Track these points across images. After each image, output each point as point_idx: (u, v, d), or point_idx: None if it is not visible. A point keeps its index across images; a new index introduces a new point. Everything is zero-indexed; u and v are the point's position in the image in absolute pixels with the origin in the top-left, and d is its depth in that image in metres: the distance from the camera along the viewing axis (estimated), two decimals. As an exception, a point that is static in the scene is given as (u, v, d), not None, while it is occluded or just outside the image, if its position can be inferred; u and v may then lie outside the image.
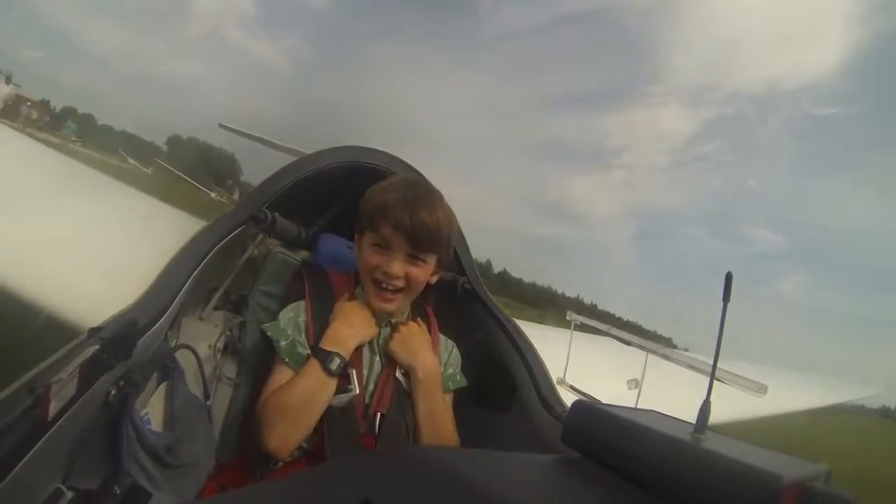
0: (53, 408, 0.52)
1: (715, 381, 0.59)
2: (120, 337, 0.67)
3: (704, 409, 0.54)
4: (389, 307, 0.99)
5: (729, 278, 0.54)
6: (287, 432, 0.88)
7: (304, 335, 0.98)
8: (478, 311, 1.27)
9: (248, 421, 1.04)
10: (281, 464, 0.91)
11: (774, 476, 0.42)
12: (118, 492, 0.60)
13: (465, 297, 1.28)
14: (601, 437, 0.57)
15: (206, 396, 1.00)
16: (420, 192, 0.97)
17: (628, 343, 1.59)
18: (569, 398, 1.07)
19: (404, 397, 0.99)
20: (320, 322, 0.99)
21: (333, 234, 1.29)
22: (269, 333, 0.98)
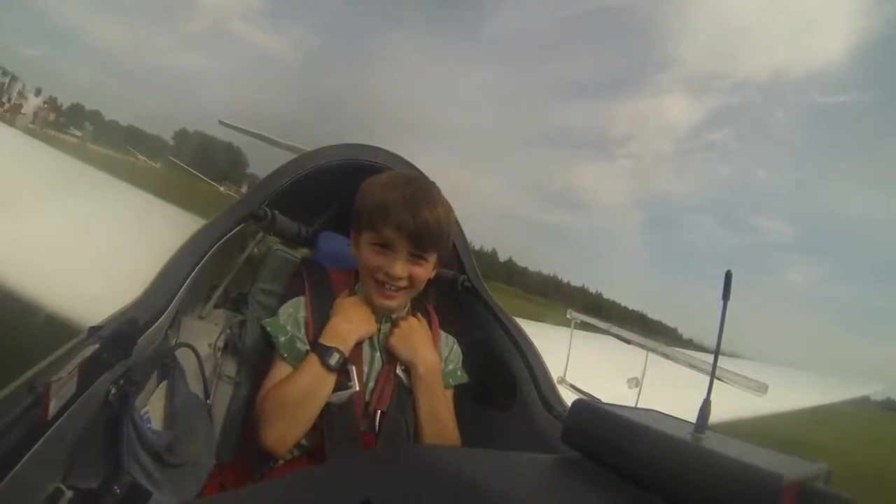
0: (53, 407, 0.52)
1: (715, 381, 0.58)
2: (120, 336, 0.67)
3: (704, 409, 0.54)
4: (392, 304, 0.99)
5: (728, 277, 0.53)
6: (285, 428, 0.87)
7: (303, 331, 0.98)
8: (478, 309, 1.27)
9: (248, 419, 1.04)
10: (281, 462, 0.91)
11: (774, 475, 0.42)
12: (118, 491, 0.60)
13: (465, 296, 1.28)
14: (601, 437, 0.57)
15: (207, 395, 1.00)
16: (419, 190, 0.97)
17: (628, 342, 1.59)
18: (569, 397, 1.07)
19: (405, 394, 0.99)
20: (320, 318, 0.99)
21: (333, 231, 1.29)
22: (268, 329, 0.98)
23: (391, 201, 0.93)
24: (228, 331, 1.13)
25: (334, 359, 0.91)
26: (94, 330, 0.65)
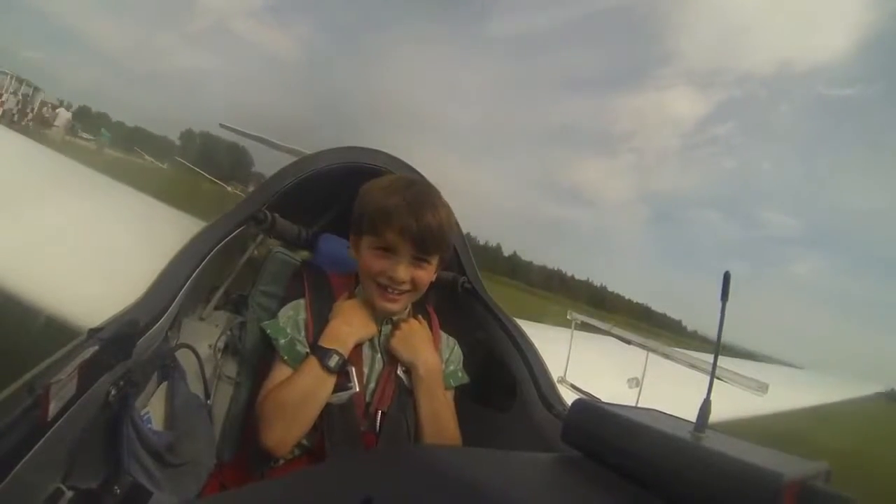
0: (53, 408, 0.52)
1: (714, 380, 0.59)
2: (120, 337, 0.67)
3: (705, 408, 0.54)
4: (394, 307, 0.99)
5: (727, 278, 0.53)
6: (285, 430, 0.87)
7: (303, 333, 0.98)
8: (478, 310, 1.27)
9: (248, 420, 1.04)
10: (282, 462, 0.91)
11: (775, 475, 0.42)
12: (118, 491, 0.61)
13: (465, 297, 1.29)
14: (601, 436, 0.57)
15: (207, 396, 1.00)
16: (421, 193, 0.97)
17: (629, 342, 1.59)
18: (569, 397, 1.07)
19: (406, 395, 0.99)
20: (320, 320, 0.99)
21: (333, 234, 1.29)
22: (268, 331, 0.98)
23: (393, 205, 0.93)
24: (228, 332, 1.13)
25: (334, 361, 0.91)
26: (94, 332, 0.65)
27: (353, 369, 0.95)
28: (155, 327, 0.78)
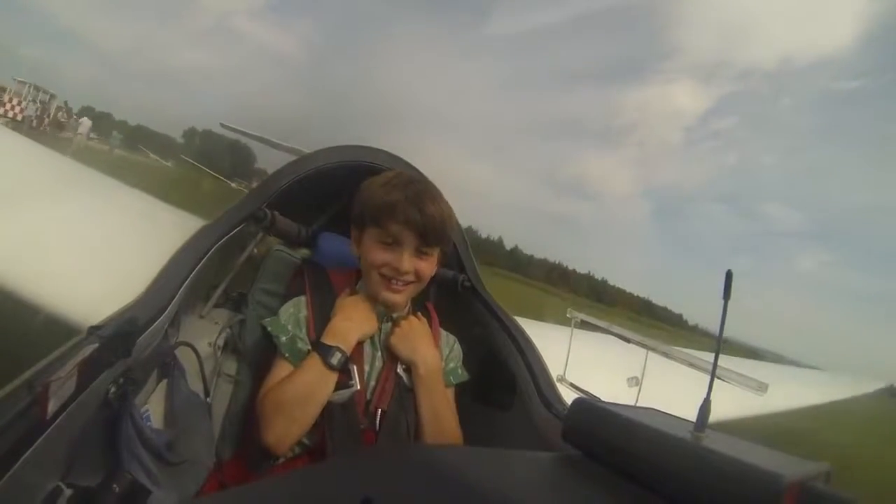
0: (52, 406, 0.52)
1: (714, 380, 0.58)
2: (120, 335, 0.67)
3: (704, 408, 0.54)
4: (398, 299, 1.00)
5: (729, 276, 0.53)
6: (285, 427, 0.87)
7: (304, 331, 0.98)
8: (478, 308, 1.27)
9: (248, 418, 1.04)
10: (282, 460, 0.91)
11: (775, 475, 0.42)
12: (117, 489, 0.60)
13: (465, 295, 1.29)
14: (601, 435, 0.57)
15: (207, 393, 1.00)
16: (422, 188, 0.99)
17: (628, 340, 1.59)
18: (569, 396, 1.07)
19: (406, 393, 0.99)
20: (321, 318, 0.99)
21: (334, 232, 1.29)
22: (269, 329, 0.98)
23: (397, 198, 0.95)
24: (228, 330, 1.13)
25: (336, 358, 0.91)
26: (94, 329, 0.65)
27: (355, 367, 0.95)
28: (155, 325, 0.78)
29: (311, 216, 1.36)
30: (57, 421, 0.54)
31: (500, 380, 1.18)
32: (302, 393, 0.89)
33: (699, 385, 0.60)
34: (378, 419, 0.95)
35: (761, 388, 1.20)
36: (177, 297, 0.86)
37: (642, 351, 1.52)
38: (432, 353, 1.02)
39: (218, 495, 0.82)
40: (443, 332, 1.12)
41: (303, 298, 1.03)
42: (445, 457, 0.52)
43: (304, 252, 1.26)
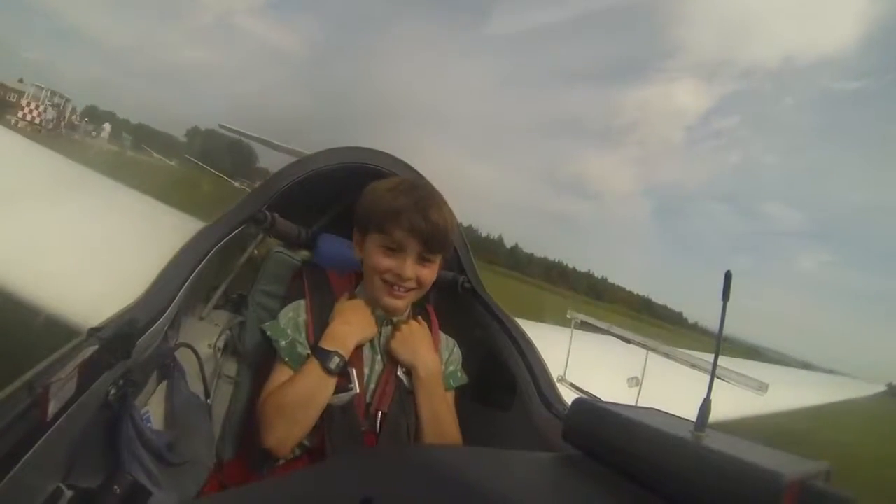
0: (53, 407, 0.52)
1: (714, 380, 0.58)
2: (120, 336, 0.67)
3: (705, 407, 0.54)
4: (400, 304, 1.00)
5: (728, 277, 0.53)
6: (286, 431, 0.88)
7: (304, 335, 0.98)
8: (478, 309, 1.27)
9: (248, 419, 1.04)
10: (282, 461, 0.91)
11: (775, 474, 0.42)
12: (118, 490, 0.60)
13: (465, 297, 1.29)
14: (602, 435, 0.57)
15: (207, 395, 1.00)
16: (427, 194, 0.99)
17: (628, 341, 1.59)
18: (569, 396, 1.07)
19: (406, 396, 0.99)
20: (320, 321, 0.99)
21: (333, 234, 1.29)
22: (268, 333, 0.98)
23: (402, 204, 0.94)
24: (228, 331, 1.13)
25: (334, 362, 0.91)
26: (94, 331, 0.65)
27: (354, 370, 0.95)
28: (155, 326, 0.78)
29: (312, 218, 1.36)
30: (57, 422, 0.54)
31: (500, 380, 1.18)
32: (302, 397, 0.89)
33: (699, 385, 0.60)
34: (378, 422, 0.95)
35: (761, 388, 1.20)
36: (177, 298, 0.86)
37: (642, 351, 1.52)
38: (432, 356, 1.02)
39: (218, 496, 0.82)
40: (442, 336, 1.12)
41: (302, 302, 1.03)
42: (445, 457, 0.52)
43: (304, 254, 1.26)
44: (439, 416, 0.99)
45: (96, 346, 0.61)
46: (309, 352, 0.95)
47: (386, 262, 0.96)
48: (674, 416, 0.60)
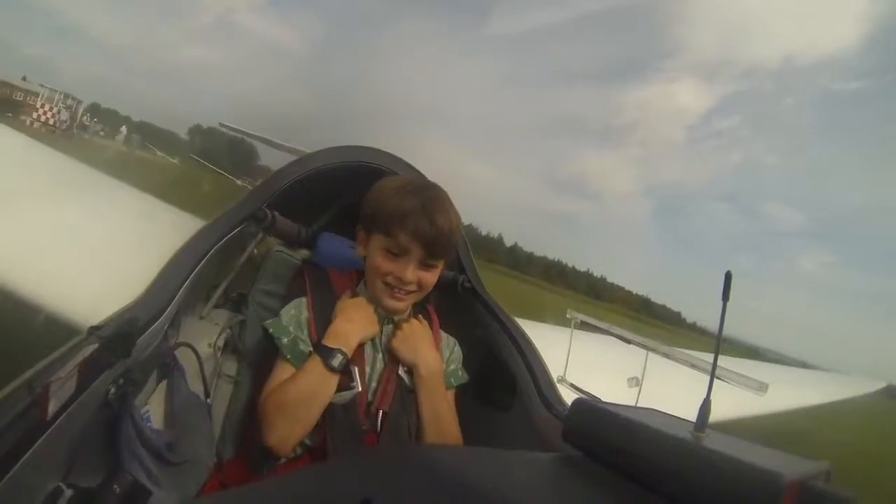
0: (52, 406, 0.52)
1: (714, 380, 0.58)
2: (120, 335, 0.67)
3: (704, 408, 0.54)
4: (400, 306, 1.00)
5: (728, 277, 0.53)
6: (287, 429, 0.88)
7: (306, 332, 0.98)
8: (478, 309, 1.27)
9: (248, 418, 1.04)
10: (283, 460, 0.91)
11: (775, 475, 0.42)
12: (118, 490, 0.61)
13: (465, 296, 1.28)
14: (602, 436, 0.57)
15: (207, 394, 1.00)
16: (434, 199, 0.97)
17: (628, 341, 1.59)
18: (569, 396, 1.07)
19: (407, 395, 0.99)
20: (322, 319, 0.99)
21: (334, 233, 1.29)
22: (270, 330, 0.98)
23: (408, 209, 0.93)
24: (228, 330, 1.13)
25: (337, 360, 0.91)
26: (94, 330, 0.65)
27: (356, 369, 0.95)
28: (155, 326, 0.78)
29: (312, 217, 1.36)
30: (57, 421, 0.54)
31: (500, 380, 1.18)
32: (304, 394, 0.89)
33: (699, 385, 0.60)
34: (380, 420, 0.95)
35: (761, 388, 1.20)
36: (177, 297, 0.86)
37: (642, 351, 1.52)
38: (433, 355, 1.02)
39: (219, 495, 0.82)
40: (443, 335, 1.12)
41: (304, 300, 1.02)
42: (446, 457, 0.52)
43: (304, 253, 1.26)
44: (440, 416, 0.99)
45: (96, 345, 0.61)
46: (311, 349, 0.95)
47: (388, 265, 0.96)
48: (674, 416, 0.60)
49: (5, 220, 1.69)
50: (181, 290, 0.88)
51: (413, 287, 0.97)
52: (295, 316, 1.00)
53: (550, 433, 1.01)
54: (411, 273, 0.95)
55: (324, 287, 1.06)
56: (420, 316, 1.08)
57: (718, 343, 0.58)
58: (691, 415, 0.55)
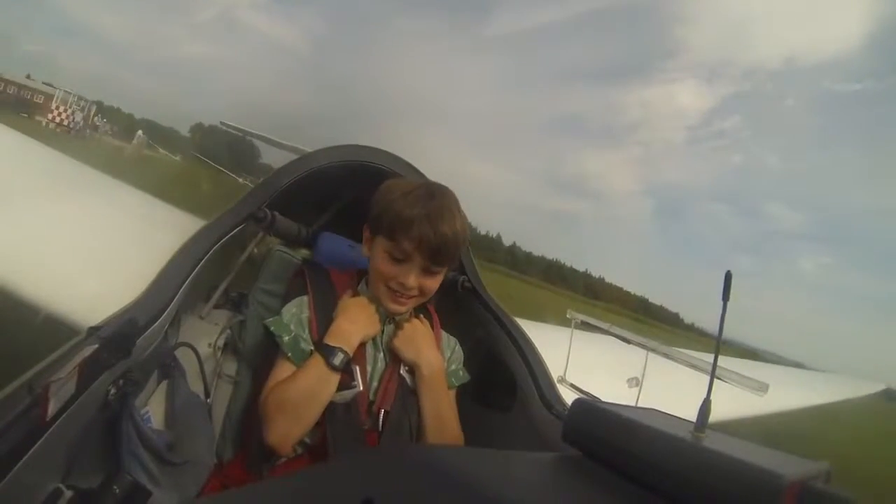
0: (52, 407, 0.52)
1: (714, 380, 0.58)
2: (119, 336, 0.67)
3: (705, 408, 0.54)
4: (402, 309, 1.00)
5: (728, 277, 0.53)
6: (288, 427, 0.88)
7: (307, 331, 0.98)
8: (478, 309, 1.27)
9: (248, 418, 1.04)
10: (283, 460, 0.92)
11: (775, 475, 0.42)
12: (118, 490, 0.60)
13: (465, 296, 1.28)
14: (602, 436, 0.57)
15: (207, 394, 1.00)
16: (441, 205, 0.95)
17: (628, 341, 1.58)
18: (569, 396, 1.07)
19: (408, 394, 0.99)
20: (323, 318, 0.99)
21: (334, 232, 1.29)
22: (272, 329, 0.98)
23: (415, 215, 0.92)
24: (228, 330, 1.13)
25: (338, 359, 0.91)
26: (94, 330, 0.65)
27: (357, 368, 0.95)
28: (155, 325, 0.78)
29: (312, 216, 1.36)
30: (57, 422, 0.54)
31: (500, 381, 1.18)
32: (304, 393, 0.89)
33: (699, 385, 0.60)
34: (381, 420, 0.95)
35: (761, 388, 1.20)
36: (177, 297, 0.86)
37: (642, 352, 1.52)
38: (435, 354, 1.02)
39: (219, 496, 0.82)
40: (444, 334, 1.12)
41: (305, 299, 1.02)
42: (446, 457, 0.52)
43: (305, 252, 1.26)
44: (442, 415, 0.99)
45: (96, 346, 0.61)
46: (312, 348, 0.95)
47: (391, 269, 0.96)
48: (674, 416, 0.60)
49: (5, 220, 1.69)
50: (181, 290, 0.88)
51: (415, 293, 0.97)
52: (296, 314, 1.00)
53: (550, 433, 1.02)
54: (413, 279, 0.95)
55: (325, 286, 1.05)
56: (421, 315, 1.08)
57: (719, 343, 0.57)
58: (691, 415, 0.55)
